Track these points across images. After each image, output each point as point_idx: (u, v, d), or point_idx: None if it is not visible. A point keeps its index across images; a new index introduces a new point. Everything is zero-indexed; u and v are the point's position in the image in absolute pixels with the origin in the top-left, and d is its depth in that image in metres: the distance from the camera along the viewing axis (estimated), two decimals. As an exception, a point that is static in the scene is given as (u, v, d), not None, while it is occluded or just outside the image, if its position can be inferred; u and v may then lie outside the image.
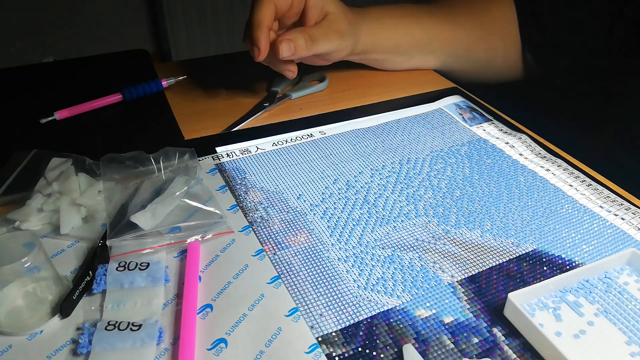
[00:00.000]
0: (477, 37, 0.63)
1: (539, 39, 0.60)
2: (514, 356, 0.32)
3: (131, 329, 0.31)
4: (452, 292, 0.36)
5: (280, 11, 0.49)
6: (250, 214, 0.42)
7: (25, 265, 0.32)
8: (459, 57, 0.64)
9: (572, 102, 0.66)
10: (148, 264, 0.35)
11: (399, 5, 0.61)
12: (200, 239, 0.39)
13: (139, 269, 0.35)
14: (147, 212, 0.38)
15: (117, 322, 0.32)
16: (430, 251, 0.39)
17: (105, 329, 0.31)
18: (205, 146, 0.50)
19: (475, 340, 0.33)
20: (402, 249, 0.39)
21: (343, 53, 0.54)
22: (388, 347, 0.32)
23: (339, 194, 0.45)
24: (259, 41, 0.47)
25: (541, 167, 0.48)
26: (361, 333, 0.33)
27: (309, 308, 0.34)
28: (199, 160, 0.48)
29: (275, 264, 0.37)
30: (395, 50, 0.61)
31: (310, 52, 0.49)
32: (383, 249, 0.39)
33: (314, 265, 0.37)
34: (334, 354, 0.31)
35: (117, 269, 0.35)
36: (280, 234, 0.40)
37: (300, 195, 0.44)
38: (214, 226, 0.39)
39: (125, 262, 0.35)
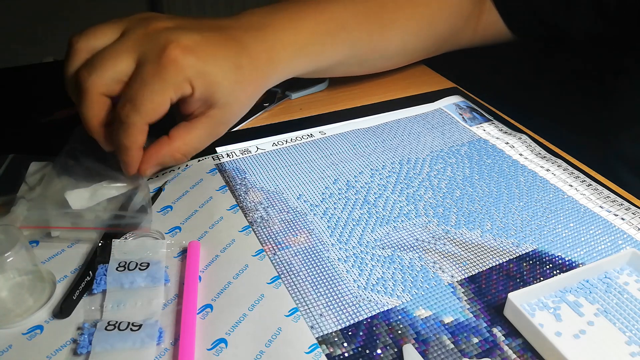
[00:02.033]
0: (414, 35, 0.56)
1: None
2: (514, 356, 0.32)
3: (131, 329, 0.31)
4: (452, 292, 0.36)
5: (156, 121, 0.38)
6: (250, 214, 0.42)
7: (8, 260, 0.32)
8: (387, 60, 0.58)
9: (572, 102, 0.66)
10: (148, 264, 0.35)
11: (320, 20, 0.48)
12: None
13: (139, 269, 0.35)
14: (85, 192, 0.37)
15: (117, 322, 0.32)
16: (430, 251, 0.39)
17: (105, 329, 0.31)
18: (205, 146, 0.50)
19: (475, 340, 0.33)
20: (402, 249, 0.39)
21: (236, 120, 0.44)
22: (388, 347, 0.32)
23: (339, 194, 0.45)
24: (130, 165, 0.39)
25: (541, 167, 0.48)
26: (361, 333, 0.33)
27: (309, 308, 0.34)
28: (199, 160, 0.48)
29: (275, 264, 0.37)
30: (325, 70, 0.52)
31: (180, 163, 0.43)
32: (383, 249, 0.39)
33: (314, 265, 0.37)
34: (334, 354, 0.31)
35: (117, 269, 0.35)
36: (280, 234, 0.40)
37: (300, 195, 0.44)
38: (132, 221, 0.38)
39: (126, 262, 0.35)
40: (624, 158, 0.56)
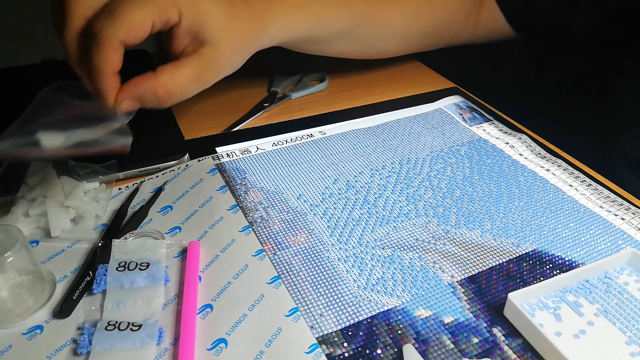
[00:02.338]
0: (416, 15, 0.55)
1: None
2: (514, 356, 0.32)
3: (131, 329, 0.31)
4: (452, 292, 0.36)
5: (133, 44, 0.36)
6: (250, 214, 0.42)
7: (8, 260, 0.32)
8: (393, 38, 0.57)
9: (572, 103, 0.66)
10: (148, 264, 0.35)
11: None
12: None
13: (139, 269, 0.35)
14: (59, 135, 0.36)
15: (117, 322, 0.32)
16: (430, 251, 0.39)
17: (106, 329, 0.31)
18: (205, 146, 0.50)
19: (475, 340, 0.33)
20: (402, 249, 0.39)
21: (230, 71, 0.42)
22: (388, 347, 0.32)
23: (339, 194, 0.45)
24: (105, 93, 0.35)
25: (541, 167, 0.48)
26: (361, 333, 0.33)
27: (309, 308, 0.34)
28: (199, 160, 0.48)
29: (275, 264, 0.37)
30: (323, 40, 0.50)
31: (163, 107, 0.39)
32: (383, 249, 0.39)
33: (314, 265, 0.37)
34: (334, 354, 0.31)
35: (117, 269, 0.35)
36: (280, 234, 0.40)
37: (300, 195, 0.44)
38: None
39: (126, 262, 0.35)
40: (624, 158, 0.56)
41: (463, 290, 0.36)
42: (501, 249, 0.39)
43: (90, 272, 0.35)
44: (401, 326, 0.33)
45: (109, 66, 0.34)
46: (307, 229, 0.41)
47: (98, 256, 0.36)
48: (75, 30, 0.35)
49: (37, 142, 0.35)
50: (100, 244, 0.37)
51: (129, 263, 0.35)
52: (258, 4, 0.41)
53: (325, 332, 0.33)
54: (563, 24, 0.57)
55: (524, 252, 0.39)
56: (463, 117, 0.56)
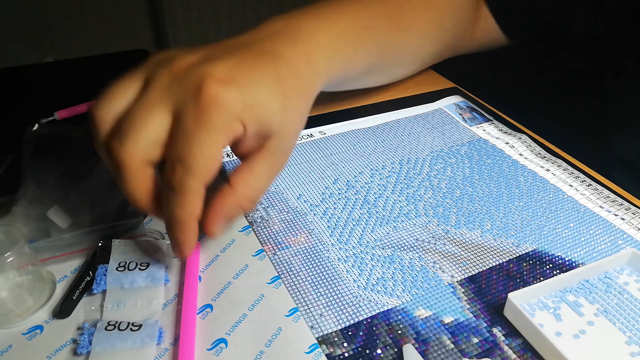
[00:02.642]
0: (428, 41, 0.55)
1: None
2: (514, 356, 0.32)
3: (131, 329, 0.31)
4: (452, 292, 0.36)
5: (212, 179, 0.33)
6: (250, 214, 0.42)
7: (8, 260, 0.32)
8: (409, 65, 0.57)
9: (572, 103, 0.66)
10: (148, 264, 0.35)
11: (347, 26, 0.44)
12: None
13: (139, 269, 0.35)
14: (64, 205, 0.36)
15: (117, 322, 0.32)
16: (430, 251, 0.39)
17: (105, 329, 0.31)
18: (205, 146, 0.50)
19: (475, 340, 0.33)
20: (402, 249, 0.39)
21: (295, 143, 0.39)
22: (388, 347, 0.32)
23: (339, 194, 0.45)
24: (186, 245, 0.33)
25: (541, 167, 0.48)
26: (361, 333, 0.33)
27: (309, 308, 0.34)
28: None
29: (275, 264, 0.37)
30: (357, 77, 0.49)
31: (249, 212, 0.39)
32: (383, 249, 0.39)
33: (314, 265, 0.37)
34: (334, 354, 0.31)
35: (117, 269, 0.35)
36: (280, 234, 0.40)
37: (300, 195, 0.44)
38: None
39: (126, 262, 0.35)
40: (623, 158, 0.56)
41: (463, 290, 0.36)
42: (501, 249, 0.39)
43: (90, 272, 0.35)
44: (401, 326, 0.33)
45: (194, 216, 0.32)
46: (307, 229, 0.41)
47: (98, 256, 0.36)
48: (140, 183, 0.33)
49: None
50: (100, 244, 0.37)
51: (129, 263, 0.35)
52: (299, 61, 0.38)
53: (325, 332, 0.33)
54: (563, 25, 0.57)
55: (524, 252, 0.39)
56: (463, 117, 0.56)
